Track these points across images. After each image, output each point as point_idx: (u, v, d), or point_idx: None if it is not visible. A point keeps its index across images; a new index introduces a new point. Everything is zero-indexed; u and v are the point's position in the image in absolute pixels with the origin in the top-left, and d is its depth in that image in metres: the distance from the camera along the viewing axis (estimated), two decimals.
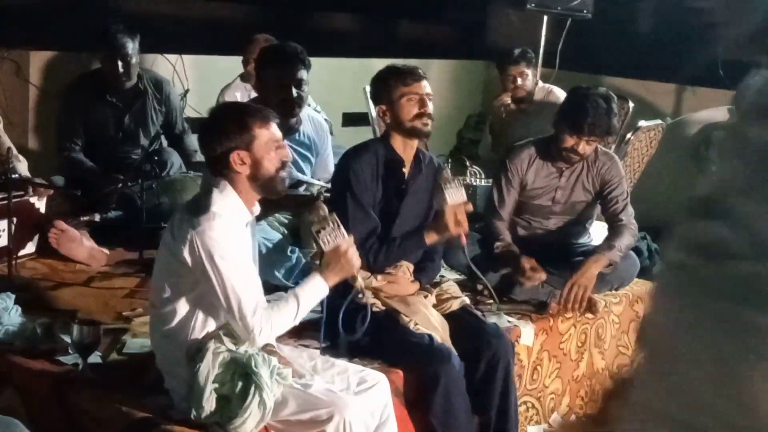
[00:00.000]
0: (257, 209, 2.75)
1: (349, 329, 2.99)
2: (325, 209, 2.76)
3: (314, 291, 2.71)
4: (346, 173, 3.23)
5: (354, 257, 2.74)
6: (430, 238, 3.25)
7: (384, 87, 3.28)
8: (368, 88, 5.73)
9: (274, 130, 2.69)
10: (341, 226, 2.74)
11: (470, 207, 3.27)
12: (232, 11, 6.30)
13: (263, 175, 2.65)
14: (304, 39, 3.86)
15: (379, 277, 3.20)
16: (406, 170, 3.30)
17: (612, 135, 3.90)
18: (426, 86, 3.25)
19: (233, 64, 5.23)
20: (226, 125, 2.65)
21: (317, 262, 2.77)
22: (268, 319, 2.58)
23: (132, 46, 4.53)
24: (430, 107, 3.24)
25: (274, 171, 2.66)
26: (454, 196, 3.19)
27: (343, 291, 2.92)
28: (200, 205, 2.59)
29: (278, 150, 2.67)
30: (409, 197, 3.32)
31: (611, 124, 3.75)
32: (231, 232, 2.57)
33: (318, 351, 2.97)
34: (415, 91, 3.22)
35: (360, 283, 2.85)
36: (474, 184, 4.70)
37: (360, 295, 2.93)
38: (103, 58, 4.59)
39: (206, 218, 2.53)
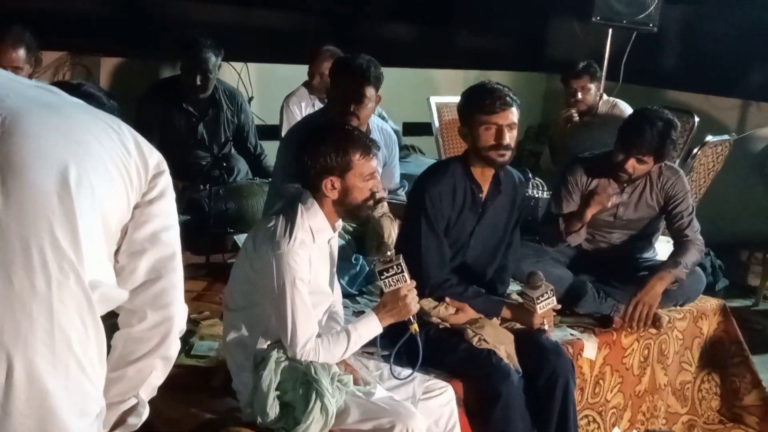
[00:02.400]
0: (340, 224, 2.77)
1: (401, 364, 2.90)
2: (392, 250, 2.76)
3: (367, 329, 2.72)
4: (421, 196, 3.15)
5: (412, 303, 2.74)
6: (507, 315, 3.23)
7: (465, 110, 3.17)
8: (433, 99, 5.79)
9: (373, 162, 2.68)
10: (405, 270, 2.73)
11: (558, 307, 3.26)
12: (295, 21, 6.38)
13: (350, 203, 2.67)
14: (365, 49, 3.89)
15: (450, 308, 3.17)
16: (483, 194, 3.23)
17: (664, 158, 3.74)
18: (510, 116, 3.08)
19: (294, 73, 5.29)
20: (328, 150, 2.62)
21: (378, 269, 2.75)
22: (316, 353, 2.60)
23: (213, 61, 4.61)
24: (508, 138, 3.08)
25: (361, 201, 2.67)
26: (545, 307, 3.17)
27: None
28: (284, 224, 2.59)
29: (370, 181, 2.67)
30: (486, 219, 3.26)
31: (664, 148, 3.64)
32: (308, 259, 2.58)
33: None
34: (494, 121, 3.08)
35: (415, 327, 2.79)
36: (536, 196, 4.67)
37: (414, 331, 2.81)
38: (184, 66, 4.66)
39: (287, 243, 2.54)
